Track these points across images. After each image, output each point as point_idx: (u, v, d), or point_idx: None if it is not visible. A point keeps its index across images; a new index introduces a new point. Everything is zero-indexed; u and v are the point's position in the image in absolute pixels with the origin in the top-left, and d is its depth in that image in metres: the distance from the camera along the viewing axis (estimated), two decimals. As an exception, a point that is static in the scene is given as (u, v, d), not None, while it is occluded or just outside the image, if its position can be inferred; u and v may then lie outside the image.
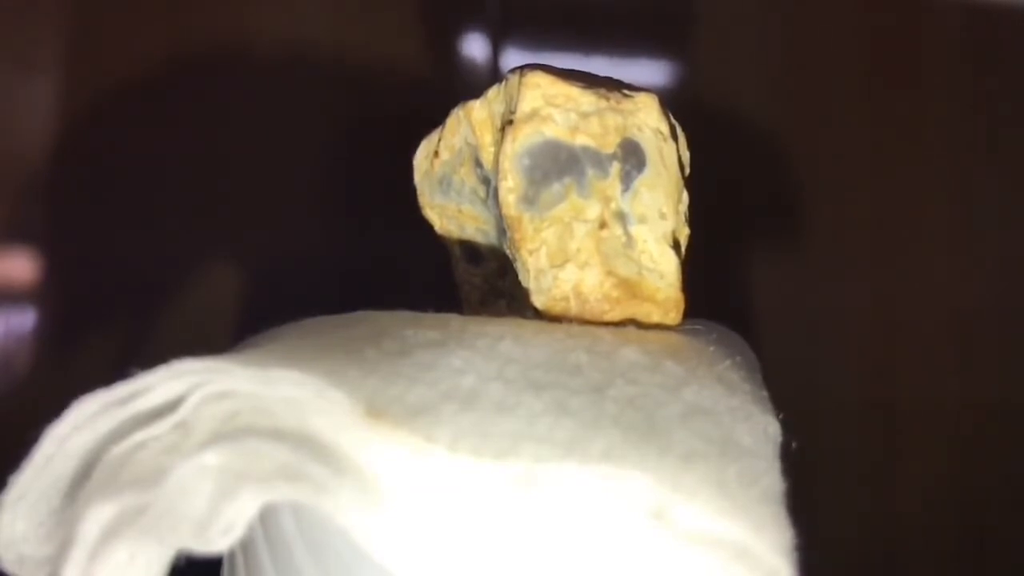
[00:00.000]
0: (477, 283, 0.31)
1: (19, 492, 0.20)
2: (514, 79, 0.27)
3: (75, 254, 0.44)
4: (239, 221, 0.46)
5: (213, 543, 0.16)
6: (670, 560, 0.16)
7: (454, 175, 0.30)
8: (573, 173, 0.26)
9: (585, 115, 0.26)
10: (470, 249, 0.31)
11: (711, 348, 0.25)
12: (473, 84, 0.48)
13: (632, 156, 0.27)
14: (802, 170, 0.50)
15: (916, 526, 0.49)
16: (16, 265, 0.44)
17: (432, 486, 0.17)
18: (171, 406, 0.19)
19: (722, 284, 0.49)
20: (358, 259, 0.46)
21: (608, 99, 0.27)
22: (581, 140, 0.26)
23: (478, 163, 0.29)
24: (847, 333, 0.50)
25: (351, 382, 0.18)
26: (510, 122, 0.26)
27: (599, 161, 0.26)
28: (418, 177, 0.31)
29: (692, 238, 0.28)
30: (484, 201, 0.30)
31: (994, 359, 0.50)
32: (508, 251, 0.29)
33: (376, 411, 0.17)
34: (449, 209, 0.31)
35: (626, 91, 0.27)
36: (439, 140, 0.31)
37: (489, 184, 0.29)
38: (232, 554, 0.23)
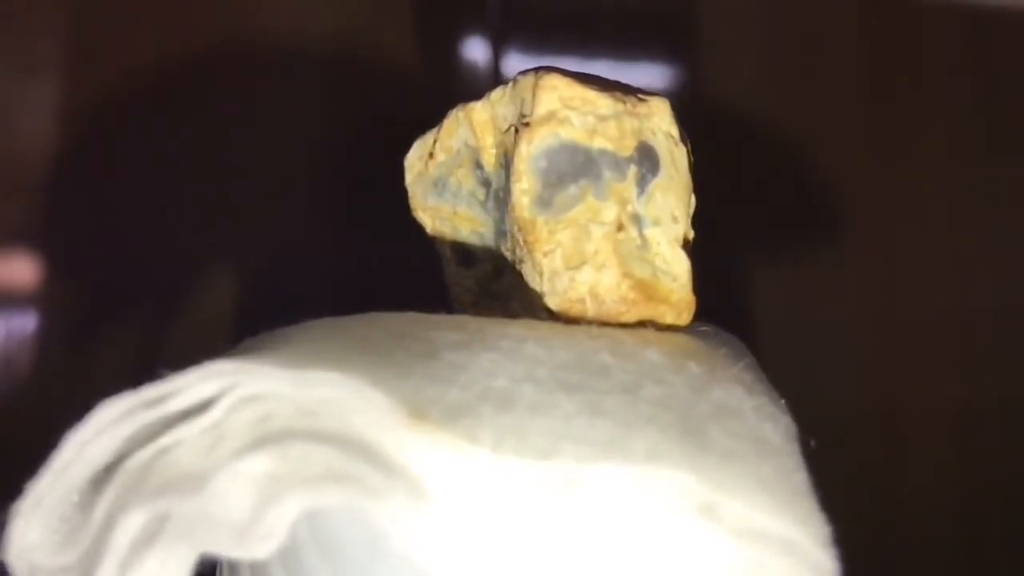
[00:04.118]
0: (468, 285, 0.31)
1: (35, 499, 0.19)
2: (525, 81, 0.27)
3: (76, 257, 0.44)
4: (239, 222, 0.46)
5: (252, 549, 0.16)
6: (721, 556, 0.16)
7: (450, 177, 0.30)
8: (590, 176, 0.26)
9: (603, 118, 0.26)
10: (462, 251, 0.31)
11: (722, 350, 0.26)
12: (473, 86, 0.48)
13: (647, 160, 0.27)
14: (801, 172, 0.51)
15: (916, 527, 0.50)
16: (18, 268, 0.44)
17: (477, 487, 0.17)
18: (199, 408, 0.18)
19: (721, 285, 0.49)
20: (355, 260, 0.46)
21: (624, 103, 0.27)
22: (599, 143, 0.26)
23: (478, 165, 0.29)
24: (847, 334, 0.50)
25: (387, 383, 0.18)
26: (526, 124, 0.26)
27: (617, 164, 0.26)
28: (410, 178, 0.31)
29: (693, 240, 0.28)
30: (483, 203, 0.30)
31: (994, 360, 0.51)
32: (508, 254, 0.29)
33: (418, 412, 0.17)
34: (443, 211, 0.31)
35: (640, 95, 0.27)
36: (434, 142, 0.30)
37: (489, 186, 0.29)
38: (232, 561, 0.23)
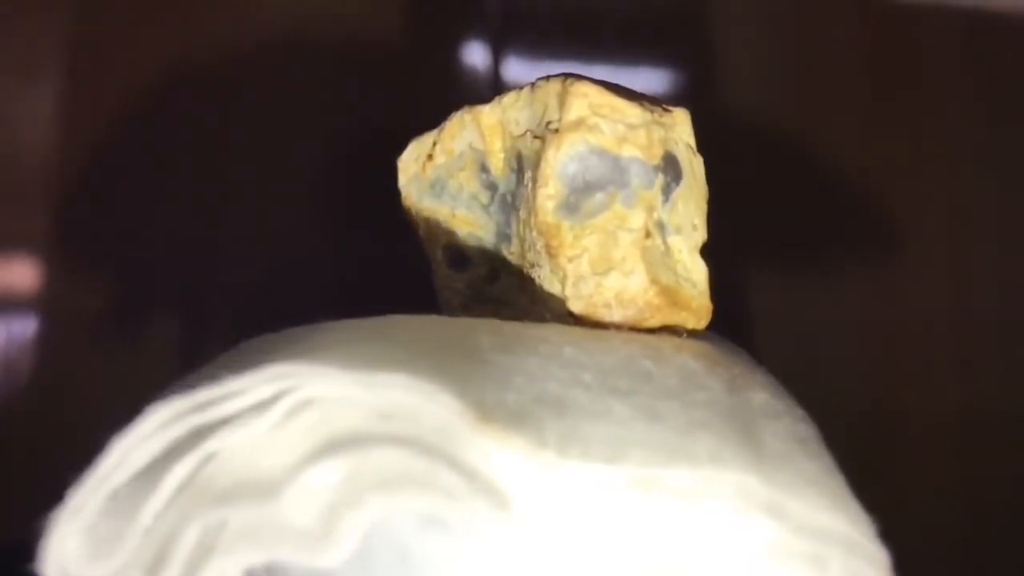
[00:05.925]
0: (459, 288, 0.31)
1: (76, 507, 0.19)
2: (549, 87, 0.27)
3: (76, 259, 0.44)
4: (239, 223, 0.46)
5: (324, 556, 0.16)
6: (786, 553, 0.17)
7: (450, 179, 0.30)
8: (617, 183, 0.26)
9: (632, 127, 0.26)
10: (455, 253, 0.31)
11: (733, 355, 0.26)
12: (473, 88, 0.48)
13: (671, 169, 0.27)
14: (801, 173, 0.51)
15: (916, 527, 0.50)
16: (18, 270, 0.43)
17: (547, 490, 0.17)
18: (253, 411, 0.18)
19: (721, 286, 0.49)
20: (354, 261, 0.46)
21: (652, 112, 0.27)
22: (629, 151, 0.26)
23: (484, 168, 0.29)
24: (847, 335, 0.50)
25: (450, 386, 0.18)
26: (555, 130, 0.26)
27: (645, 172, 0.27)
28: (404, 179, 0.31)
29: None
30: (485, 207, 0.30)
31: (995, 361, 0.51)
32: (512, 258, 0.29)
33: (485, 416, 0.17)
34: (440, 212, 0.31)
35: (664, 106, 0.28)
36: (434, 143, 0.30)
37: (495, 190, 0.29)
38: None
